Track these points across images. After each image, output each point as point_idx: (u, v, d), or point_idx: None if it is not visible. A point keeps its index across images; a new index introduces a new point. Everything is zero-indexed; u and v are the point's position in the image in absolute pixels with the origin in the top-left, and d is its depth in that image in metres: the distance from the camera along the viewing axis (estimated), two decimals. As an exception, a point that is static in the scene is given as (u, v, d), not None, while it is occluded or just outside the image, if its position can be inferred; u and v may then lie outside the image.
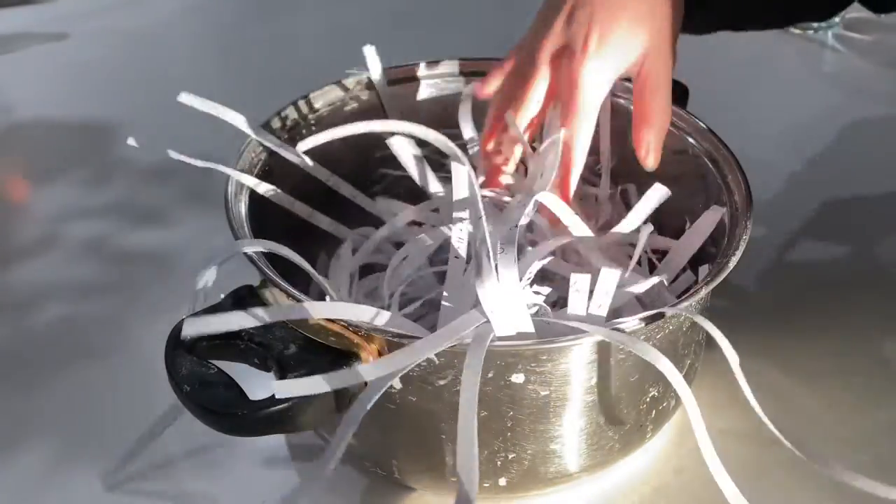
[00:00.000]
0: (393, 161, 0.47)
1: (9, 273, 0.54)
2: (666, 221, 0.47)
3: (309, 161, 0.45)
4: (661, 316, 0.33)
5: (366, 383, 0.32)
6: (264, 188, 0.43)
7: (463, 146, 0.46)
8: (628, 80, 0.46)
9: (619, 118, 0.48)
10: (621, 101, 0.47)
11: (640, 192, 0.48)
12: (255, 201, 0.42)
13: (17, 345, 0.48)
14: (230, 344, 0.33)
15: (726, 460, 0.41)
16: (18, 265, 0.54)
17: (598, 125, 0.43)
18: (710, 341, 0.46)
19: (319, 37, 0.84)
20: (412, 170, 0.46)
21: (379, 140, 0.46)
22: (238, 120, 0.43)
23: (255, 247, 0.35)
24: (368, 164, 0.49)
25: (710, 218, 0.41)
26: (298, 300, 0.33)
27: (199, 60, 0.81)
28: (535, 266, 0.39)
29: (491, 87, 0.44)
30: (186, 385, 0.31)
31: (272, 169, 0.44)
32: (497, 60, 0.46)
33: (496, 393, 0.33)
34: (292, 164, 0.45)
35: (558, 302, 0.43)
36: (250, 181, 0.41)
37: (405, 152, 0.46)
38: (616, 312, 0.43)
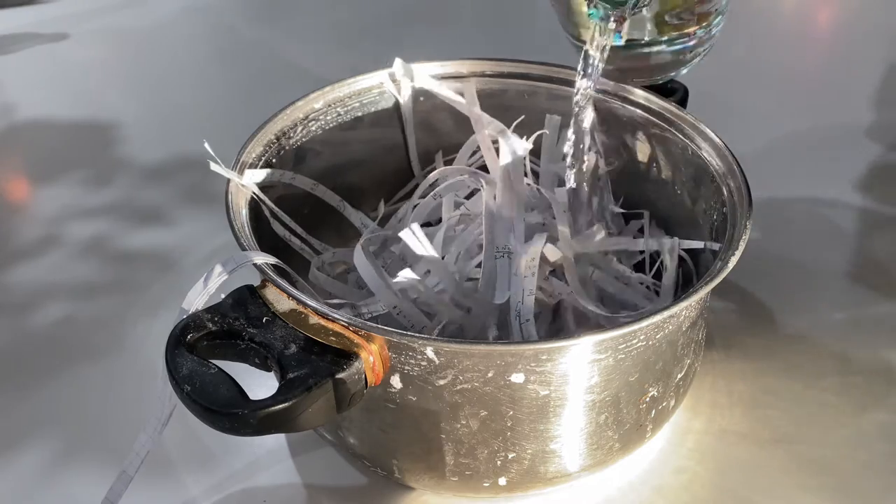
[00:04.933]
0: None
1: (9, 273, 0.54)
2: (665, 222, 0.47)
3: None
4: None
5: (366, 383, 0.32)
6: (288, 176, 0.43)
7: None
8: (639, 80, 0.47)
9: (616, 123, 0.48)
10: (615, 104, 0.47)
11: (638, 195, 0.48)
12: (256, 201, 0.42)
13: (17, 345, 0.48)
14: (230, 344, 0.33)
15: (726, 460, 0.41)
16: (18, 265, 0.54)
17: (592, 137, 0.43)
18: (709, 341, 0.46)
19: (319, 37, 0.84)
20: None
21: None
22: None
23: (263, 258, 0.35)
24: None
25: None
26: (299, 300, 0.33)
27: (199, 60, 0.81)
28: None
29: None
30: (186, 385, 0.31)
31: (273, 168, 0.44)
32: (501, 60, 0.46)
33: (496, 393, 0.33)
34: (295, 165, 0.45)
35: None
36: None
37: None
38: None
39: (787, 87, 0.74)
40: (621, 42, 0.42)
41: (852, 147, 0.65)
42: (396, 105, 0.49)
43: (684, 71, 0.46)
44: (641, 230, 0.48)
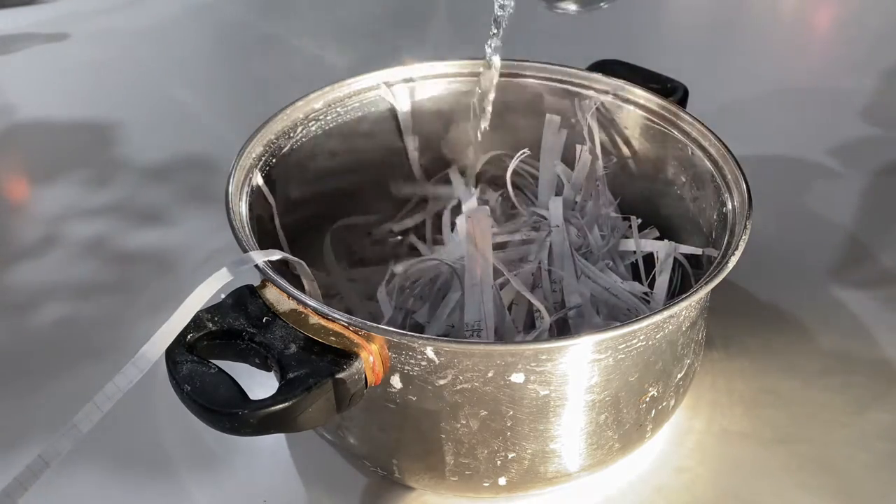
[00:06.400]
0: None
1: (9, 273, 0.54)
2: (665, 222, 0.47)
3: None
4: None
5: (366, 383, 0.32)
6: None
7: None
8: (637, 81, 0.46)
9: (615, 122, 0.48)
10: (615, 103, 0.47)
11: (637, 195, 0.48)
12: (256, 200, 0.42)
13: (17, 345, 0.48)
14: (230, 344, 0.33)
15: (727, 460, 0.41)
16: (18, 265, 0.54)
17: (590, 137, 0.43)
18: (709, 341, 0.46)
19: (319, 37, 0.84)
20: None
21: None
22: None
23: (267, 257, 0.35)
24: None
25: None
26: (299, 300, 0.33)
27: (199, 60, 0.81)
28: None
29: None
30: (186, 385, 0.31)
31: (273, 168, 0.44)
32: (501, 60, 0.46)
33: (496, 392, 0.33)
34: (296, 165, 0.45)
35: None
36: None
37: None
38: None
39: (786, 88, 0.74)
40: None
41: (852, 146, 0.65)
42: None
43: None
44: (640, 228, 0.48)
